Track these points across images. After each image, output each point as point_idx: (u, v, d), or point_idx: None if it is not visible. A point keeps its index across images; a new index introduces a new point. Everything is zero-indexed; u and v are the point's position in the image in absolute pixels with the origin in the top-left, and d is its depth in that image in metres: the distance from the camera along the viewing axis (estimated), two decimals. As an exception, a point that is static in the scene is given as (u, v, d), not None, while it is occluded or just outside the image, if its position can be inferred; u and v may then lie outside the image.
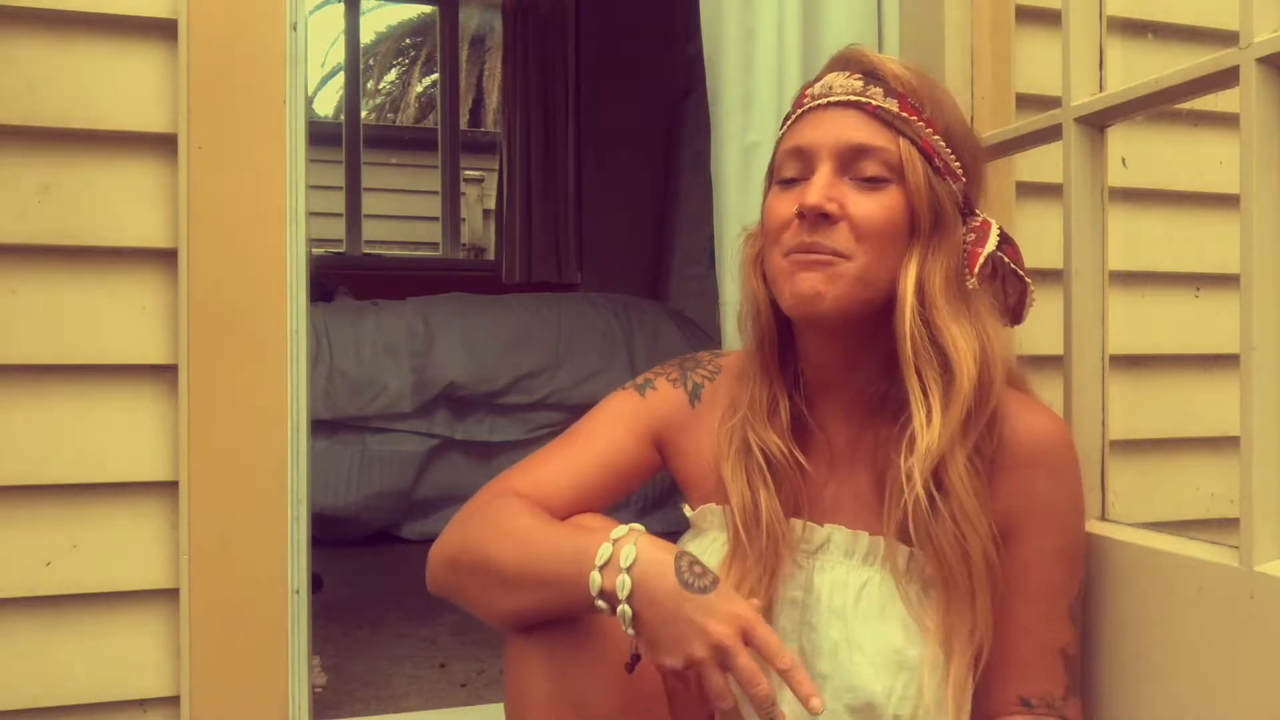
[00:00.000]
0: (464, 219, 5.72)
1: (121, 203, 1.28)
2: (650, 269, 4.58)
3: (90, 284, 1.28)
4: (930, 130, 0.93)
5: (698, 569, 0.82)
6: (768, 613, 0.95)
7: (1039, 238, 1.24)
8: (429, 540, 0.99)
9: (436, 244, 5.28)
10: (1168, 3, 1.61)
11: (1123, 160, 1.48)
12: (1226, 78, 0.90)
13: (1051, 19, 1.18)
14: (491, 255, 5.89)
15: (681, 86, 4.15)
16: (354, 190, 4.92)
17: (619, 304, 3.42)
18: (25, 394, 1.26)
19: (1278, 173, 0.87)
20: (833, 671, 0.92)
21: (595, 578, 0.82)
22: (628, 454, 1.03)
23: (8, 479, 1.25)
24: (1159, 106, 1.02)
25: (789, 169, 0.95)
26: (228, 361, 1.29)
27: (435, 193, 5.21)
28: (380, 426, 3.01)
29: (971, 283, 0.93)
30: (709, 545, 1.00)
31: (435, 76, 7.57)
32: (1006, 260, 0.97)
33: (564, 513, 0.98)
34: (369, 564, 2.85)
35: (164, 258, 1.29)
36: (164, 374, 1.29)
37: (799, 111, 0.97)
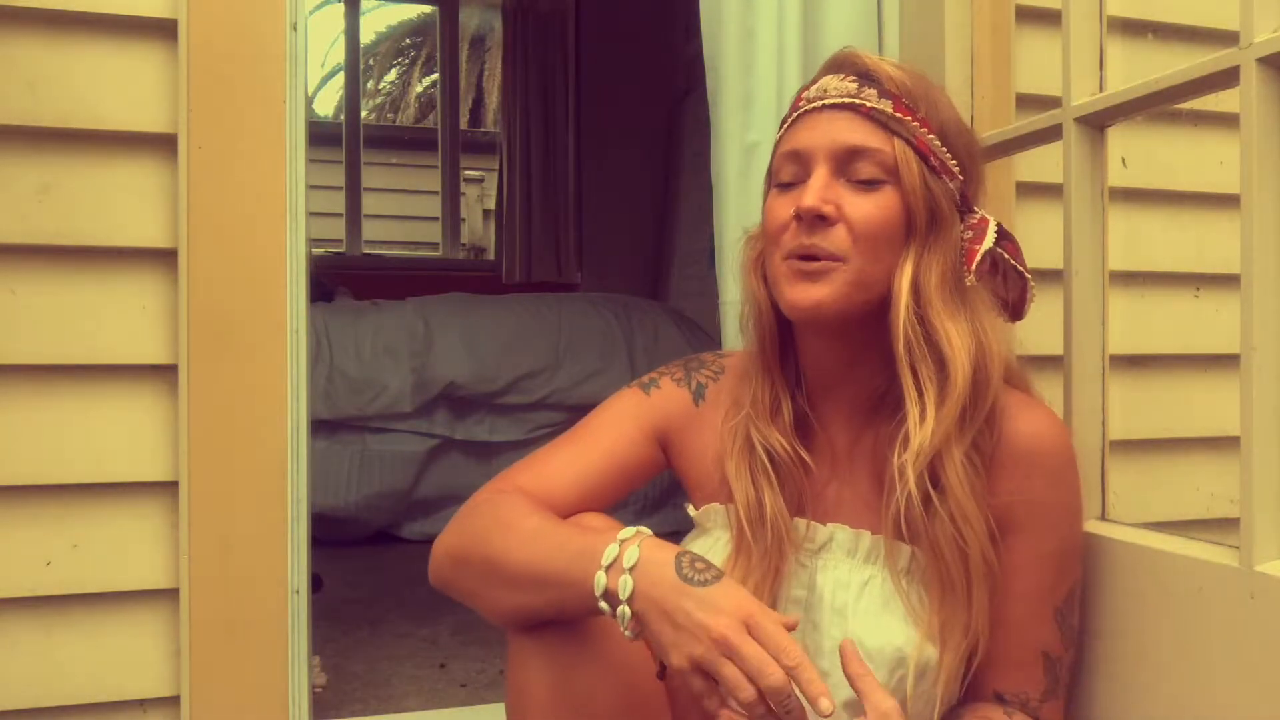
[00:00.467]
0: (464, 219, 5.72)
1: (121, 203, 1.28)
2: (650, 269, 4.58)
3: (90, 284, 1.28)
4: (925, 130, 0.93)
5: (699, 565, 0.81)
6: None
7: (1039, 238, 1.24)
8: (429, 540, 0.99)
9: (436, 244, 5.28)
10: (1168, 3, 1.61)
11: (1123, 160, 1.48)
12: (1226, 78, 0.90)
13: (1051, 19, 1.18)
14: (491, 255, 5.90)
15: (681, 86, 4.15)
16: (354, 190, 4.92)
17: (619, 304, 3.42)
18: (25, 394, 1.26)
19: (1278, 173, 0.87)
20: (833, 669, 0.92)
21: (600, 578, 0.81)
22: (634, 452, 1.03)
23: (8, 479, 1.25)
24: (1159, 106, 1.02)
25: (786, 172, 0.96)
26: (228, 361, 1.29)
27: (435, 193, 5.22)
28: (380, 426, 3.01)
29: (970, 279, 0.93)
30: (713, 545, 1.01)
31: (435, 76, 7.57)
32: (1006, 256, 0.98)
33: (569, 510, 0.98)
34: (369, 564, 2.84)
35: (164, 258, 1.29)
36: (164, 374, 1.29)
37: (795, 115, 0.98)
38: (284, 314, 1.31)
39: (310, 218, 1.35)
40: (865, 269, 0.91)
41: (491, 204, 5.97)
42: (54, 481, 1.27)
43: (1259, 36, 0.86)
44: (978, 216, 0.97)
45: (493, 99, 8.73)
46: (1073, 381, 1.08)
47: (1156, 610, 0.96)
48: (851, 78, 0.95)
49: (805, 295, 0.91)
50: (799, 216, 0.92)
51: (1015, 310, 1.00)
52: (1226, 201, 1.07)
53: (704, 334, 3.34)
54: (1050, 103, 1.14)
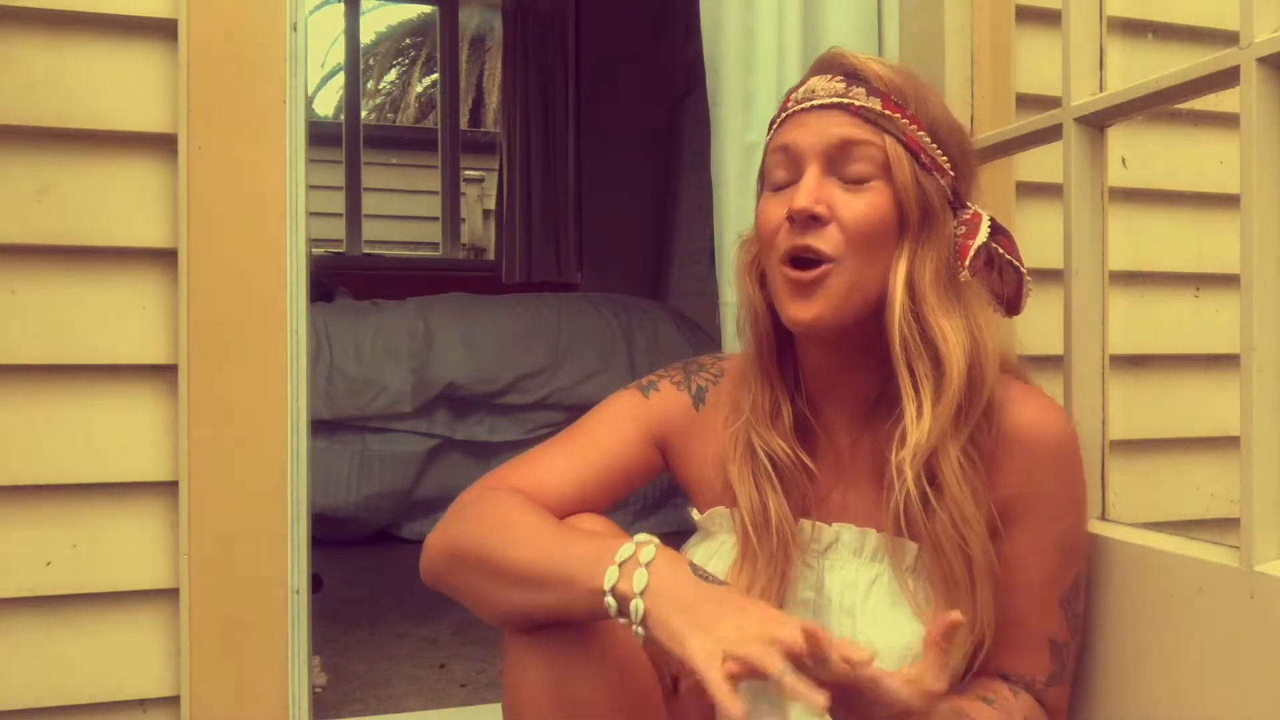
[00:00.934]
0: (464, 219, 5.72)
1: (121, 203, 1.28)
2: (650, 269, 4.58)
3: (90, 284, 1.28)
4: (915, 127, 0.93)
5: (710, 574, 0.81)
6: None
7: (1039, 238, 1.24)
8: (428, 540, 0.99)
9: (436, 244, 5.28)
10: (1168, 3, 1.61)
11: (1123, 160, 1.48)
12: (1226, 78, 0.90)
13: (1051, 19, 1.18)
14: (491, 255, 5.89)
15: (681, 86, 4.15)
16: (354, 190, 4.93)
17: (619, 304, 3.42)
18: (25, 394, 1.26)
19: (1278, 173, 0.87)
20: None
21: (612, 573, 0.80)
22: (631, 455, 1.02)
23: (8, 479, 1.25)
24: (1159, 106, 1.03)
25: (778, 173, 0.96)
26: (228, 361, 1.29)
27: (435, 193, 5.22)
28: (380, 426, 3.01)
29: (964, 275, 0.93)
30: (718, 549, 1.00)
31: (435, 76, 7.57)
32: (1001, 251, 0.97)
33: (564, 511, 0.97)
34: (369, 564, 2.84)
35: (164, 258, 1.30)
36: (164, 374, 1.29)
37: (783, 116, 0.98)
38: (284, 314, 1.31)
39: (310, 218, 1.35)
40: (859, 269, 0.91)
41: (491, 204, 5.97)
42: (54, 481, 1.27)
43: (1259, 36, 0.86)
44: (970, 212, 0.97)
45: (493, 99, 8.73)
46: (1073, 381, 1.08)
47: (1156, 610, 0.96)
48: (839, 78, 0.95)
49: (804, 311, 0.91)
50: (791, 218, 0.91)
51: (1011, 305, 1.00)
52: (1226, 201, 1.07)
53: (704, 334, 3.34)
54: (1050, 103, 1.14)
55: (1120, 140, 1.30)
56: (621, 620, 0.80)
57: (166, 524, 1.29)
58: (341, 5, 4.96)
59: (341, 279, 4.08)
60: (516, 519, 0.91)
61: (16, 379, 1.25)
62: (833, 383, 0.99)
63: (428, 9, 7.15)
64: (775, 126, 0.99)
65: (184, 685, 1.28)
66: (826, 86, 0.95)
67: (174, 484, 1.29)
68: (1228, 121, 0.96)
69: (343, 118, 5.18)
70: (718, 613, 0.76)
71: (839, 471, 1.00)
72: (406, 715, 1.70)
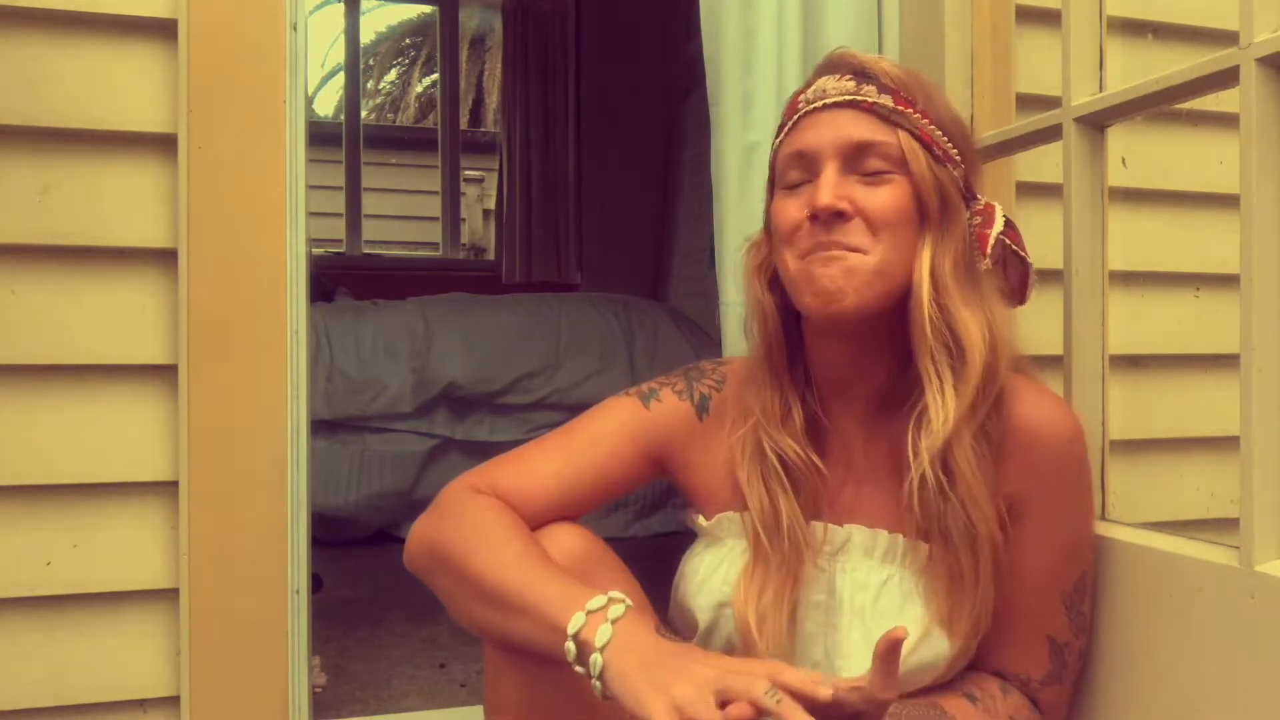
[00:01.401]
0: (464, 219, 5.72)
1: (121, 203, 1.28)
2: (650, 269, 4.57)
3: (90, 284, 1.28)
4: (926, 121, 0.93)
5: (671, 634, 0.82)
6: (791, 617, 0.95)
7: (1039, 238, 1.23)
8: (429, 540, 0.98)
9: (436, 244, 5.28)
10: (1168, 3, 1.61)
11: (1123, 160, 1.48)
12: (1226, 78, 0.90)
13: (1051, 19, 1.18)
14: (491, 255, 5.89)
15: (681, 86, 4.15)
16: (354, 190, 4.92)
17: (619, 304, 3.42)
18: (25, 394, 1.26)
19: (1278, 173, 0.86)
20: (854, 669, 0.93)
21: (579, 618, 0.80)
22: (622, 467, 1.02)
23: (8, 479, 1.25)
24: (1159, 106, 1.03)
25: (793, 174, 0.96)
26: (228, 361, 1.29)
27: (435, 193, 5.21)
28: (380, 426, 3.01)
29: (985, 264, 0.94)
30: (727, 554, 1.00)
31: (435, 76, 7.56)
32: (1008, 242, 0.98)
33: (547, 516, 0.97)
34: (369, 564, 2.84)
35: (164, 258, 1.29)
36: (164, 374, 1.29)
37: (795, 118, 0.97)
38: (284, 314, 1.31)
39: (310, 218, 1.35)
40: (887, 259, 0.91)
41: (491, 204, 5.97)
42: (54, 481, 1.27)
43: (1259, 36, 0.86)
44: (983, 203, 0.98)
45: (493, 99, 8.73)
46: (1073, 381, 1.08)
47: (1157, 610, 0.96)
48: (848, 76, 0.95)
49: (828, 280, 0.90)
50: (814, 216, 0.91)
51: (1017, 295, 1.01)
52: (1226, 201, 1.07)
53: (704, 334, 3.34)
54: (1050, 103, 1.14)
55: (1120, 140, 1.31)
56: (578, 669, 0.80)
57: (166, 524, 1.29)
58: (341, 5, 4.96)
59: (341, 279, 4.08)
60: (497, 536, 0.91)
61: (16, 379, 1.26)
62: (844, 380, 0.99)
63: (428, 9, 7.15)
64: (786, 130, 0.98)
65: (184, 685, 1.28)
66: (837, 86, 0.95)
67: (174, 484, 1.29)
68: (1228, 121, 0.96)
69: (343, 118, 5.17)
70: (677, 668, 0.76)
71: (850, 469, 0.99)
72: (406, 715, 1.70)
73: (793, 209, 0.94)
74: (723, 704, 0.73)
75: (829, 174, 0.92)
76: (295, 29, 1.32)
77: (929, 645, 0.91)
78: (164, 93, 1.29)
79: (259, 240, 1.31)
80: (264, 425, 1.31)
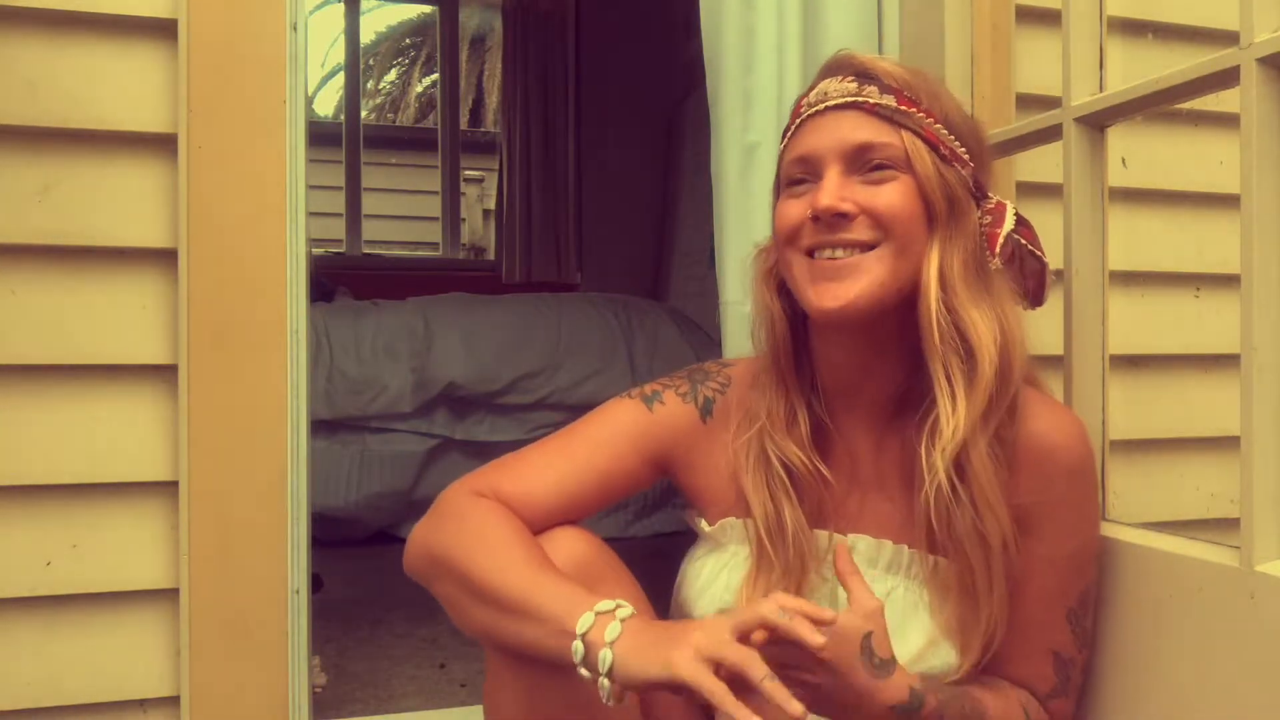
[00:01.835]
0: (464, 219, 5.72)
1: (121, 203, 1.28)
2: (650, 269, 4.57)
3: (90, 284, 1.28)
4: (931, 120, 0.92)
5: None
6: None
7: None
8: (429, 541, 0.98)
9: (436, 244, 5.28)
10: (1168, 3, 1.61)
11: (1123, 160, 1.48)
12: (1226, 78, 0.90)
13: (1051, 19, 1.18)
14: (491, 255, 5.89)
15: (681, 86, 4.15)
16: (354, 190, 4.92)
17: (619, 304, 3.42)
18: (25, 394, 1.26)
19: (1278, 173, 0.86)
20: None
21: (587, 618, 0.80)
22: (626, 470, 1.01)
23: (8, 479, 1.25)
24: (1159, 106, 1.03)
25: (796, 177, 0.95)
26: (228, 361, 1.29)
27: (435, 193, 5.21)
28: (380, 426, 3.01)
29: (994, 264, 0.93)
30: (729, 560, 0.99)
31: (435, 76, 7.56)
32: (1024, 242, 0.97)
33: (549, 520, 0.97)
34: (369, 564, 2.84)
35: (164, 258, 1.29)
36: (164, 374, 1.29)
37: (798, 121, 0.97)
38: (284, 314, 1.31)
39: (310, 218, 1.35)
40: (897, 256, 0.90)
41: (491, 204, 5.97)
42: (54, 481, 1.27)
43: (1259, 36, 0.86)
44: (994, 201, 0.96)
45: (493, 99, 8.72)
46: (1073, 381, 1.08)
47: (1157, 610, 0.96)
48: (850, 78, 0.94)
49: (835, 296, 0.90)
50: (816, 217, 0.91)
51: (1034, 296, 1.00)
52: (1226, 201, 1.07)
53: (704, 334, 3.34)
54: (1050, 103, 1.14)
55: (1120, 140, 1.30)
56: (583, 672, 0.79)
57: (166, 524, 1.29)
58: (341, 5, 4.95)
59: (341, 279, 4.07)
60: (500, 540, 0.91)
61: (16, 379, 1.26)
62: (851, 386, 0.98)
63: (428, 9, 7.15)
64: (790, 134, 0.98)
65: (184, 685, 1.28)
66: (839, 87, 0.94)
67: (174, 484, 1.29)
68: (1228, 121, 0.96)
69: (343, 118, 5.17)
70: (689, 629, 0.78)
71: (855, 478, 0.99)
72: (406, 715, 1.69)
73: (795, 210, 0.94)
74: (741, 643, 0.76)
75: (831, 176, 0.91)
76: (295, 29, 1.32)
77: (937, 655, 0.90)
78: (164, 93, 1.29)
79: (259, 240, 1.31)
80: (264, 425, 1.31)
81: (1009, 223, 0.94)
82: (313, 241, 1.42)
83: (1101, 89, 1.08)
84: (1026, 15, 1.44)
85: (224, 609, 1.29)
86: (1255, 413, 0.86)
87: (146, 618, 1.29)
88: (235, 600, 1.29)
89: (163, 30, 1.28)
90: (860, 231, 0.90)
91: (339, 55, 7.03)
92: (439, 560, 0.93)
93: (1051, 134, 1.15)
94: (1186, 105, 1.10)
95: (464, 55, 8.11)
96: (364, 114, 6.96)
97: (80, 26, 1.27)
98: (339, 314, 3.20)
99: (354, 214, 4.90)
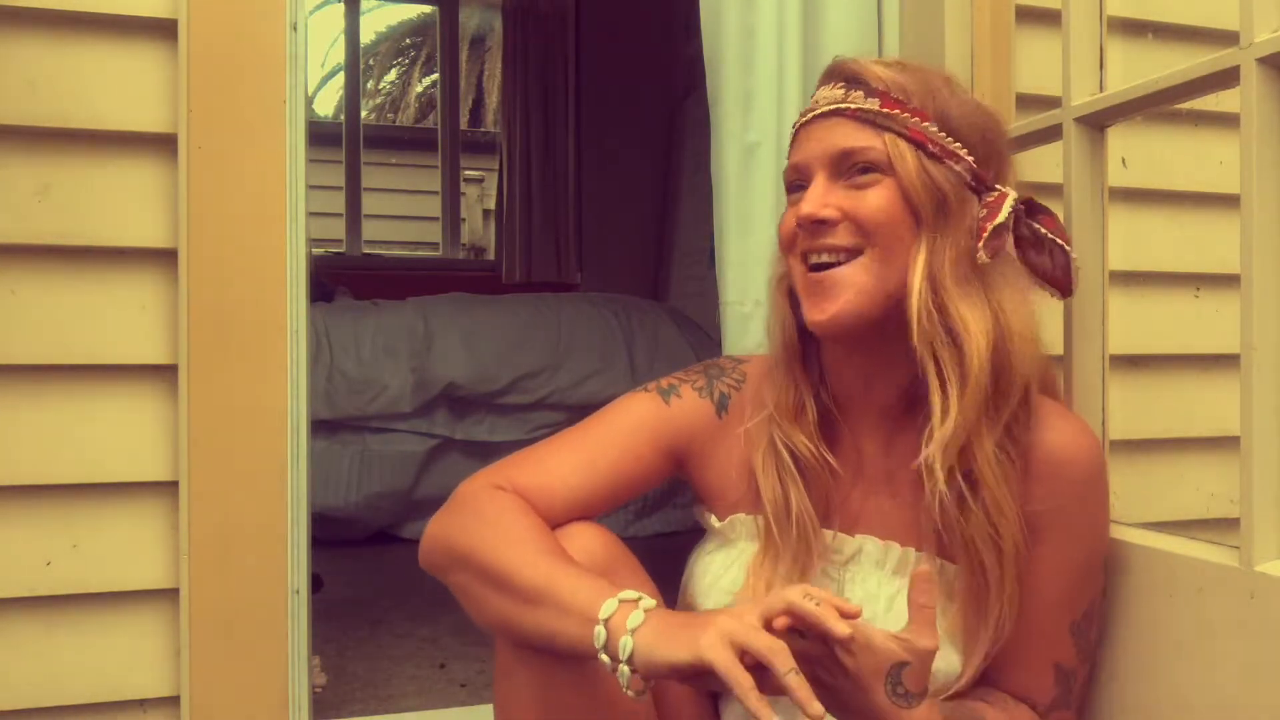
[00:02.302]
0: (464, 219, 5.72)
1: (121, 203, 1.28)
2: (650, 269, 4.57)
3: (90, 284, 1.28)
4: (918, 120, 0.92)
5: None
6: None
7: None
8: (429, 540, 0.98)
9: (436, 244, 5.28)
10: (1168, 3, 1.61)
11: (1123, 160, 1.48)
12: (1226, 78, 0.90)
13: (1051, 19, 1.18)
14: (491, 255, 5.89)
15: (681, 86, 4.15)
16: (354, 190, 4.92)
17: (619, 304, 3.42)
18: (25, 394, 1.26)
19: (1278, 173, 0.86)
20: None
21: (611, 604, 0.80)
22: (642, 466, 1.01)
23: (8, 479, 1.25)
24: (1159, 106, 1.03)
25: (793, 186, 0.98)
26: (228, 361, 1.29)
27: (435, 193, 5.21)
28: (380, 426, 3.01)
29: (980, 256, 0.91)
30: (737, 556, 1.00)
31: (435, 76, 7.56)
32: (1045, 231, 0.96)
33: (567, 514, 0.97)
34: (369, 564, 2.84)
35: (164, 258, 1.29)
36: (164, 374, 1.29)
37: (794, 131, 1.00)
38: (284, 314, 1.31)
39: (310, 218, 1.34)
40: (877, 263, 0.91)
41: (491, 204, 5.97)
42: (54, 481, 1.27)
43: (1259, 36, 0.86)
44: (995, 194, 0.95)
45: (493, 99, 8.72)
46: (1073, 381, 1.08)
47: (1157, 609, 0.96)
48: (839, 84, 0.96)
49: (823, 310, 0.92)
50: (801, 224, 0.93)
51: (1061, 285, 0.99)
52: (1226, 201, 1.07)
53: (704, 334, 3.34)
54: (1050, 103, 1.14)
55: (1120, 140, 1.30)
56: (604, 658, 0.79)
57: (166, 524, 1.29)
58: (341, 5, 4.95)
59: (341, 279, 4.07)
60: (519, 532, 0.91)
61: (16, 379, 1.25)
62: (858, 389, 0.99)
63: (428, 9, 7.14)
64: (791, 144, 1.00)
65: (184, 685, 1.28)
66: (827, 95, 0.96)
67: (174, 484, 1.29)
68: (1228, 121, 0.96)
69: (343, 118, 5.17)
70: (710, 616, 0.77)
71: (860, 476, 0.99)
72: (406, 715, 1.69)
73: (788, 219, 0.96)
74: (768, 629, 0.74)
75: (816, 184, 0.93)
76: (295, 29, 1.32)
77: (940, 658, 0.89)
78: (164, 93, 1.29)
79: (259, 240, 1.31)
80: (264, 425, 1.31)
81: (1002, 214, 0.92)
82: (313, 241, 1.42)
83: (1101, 89, 1.09)
84: (1026, 15, 1.44)
85: (224, 609, 1.29)
86: (1255, 413, 0.86)
87: (146, 618, 1.29)
88: (235, 600, 1.29)
89: (162, 30, 1.28)
90: (842, 237, 0.91)
91: (339, 55, 7.02)
92: (457, 552, 0.92)
93: (1051, 134, 1.15)
94: (1186, 105, 1.10)
95: (464, 55, 8.11)
96: (364, 114, 6.96)
97: (80, 26, 1.26)
98: (339, 314, 3.21)
99: (354, 214, 4.90)
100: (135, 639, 1.29)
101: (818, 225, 0.91)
